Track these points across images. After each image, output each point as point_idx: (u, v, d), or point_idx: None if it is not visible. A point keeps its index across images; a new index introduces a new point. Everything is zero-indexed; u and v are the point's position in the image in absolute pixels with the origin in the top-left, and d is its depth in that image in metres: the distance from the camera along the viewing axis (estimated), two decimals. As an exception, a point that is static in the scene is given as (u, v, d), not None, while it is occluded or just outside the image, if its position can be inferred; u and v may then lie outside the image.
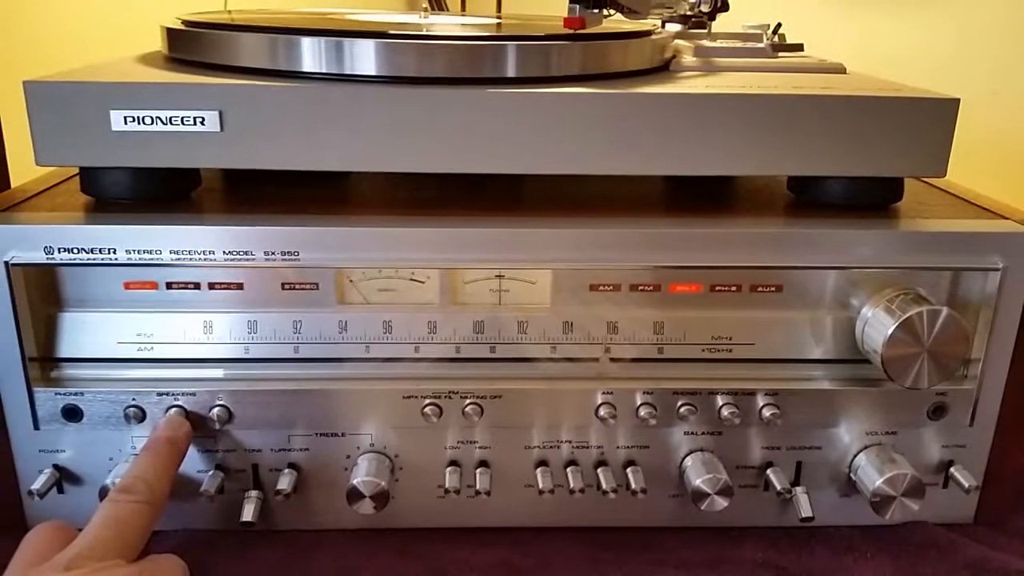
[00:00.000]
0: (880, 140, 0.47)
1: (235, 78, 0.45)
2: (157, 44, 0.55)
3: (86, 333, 0.47)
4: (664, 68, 0.54)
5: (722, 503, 0.48)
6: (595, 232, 0.46)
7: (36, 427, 0.47)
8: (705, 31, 0.63)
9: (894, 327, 0.45)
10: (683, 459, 0.50)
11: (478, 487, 0.48)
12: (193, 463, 0.48)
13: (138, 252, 0.45)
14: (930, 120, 0.47)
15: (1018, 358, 0.48)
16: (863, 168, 0.47)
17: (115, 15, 0.95)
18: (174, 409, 0.47)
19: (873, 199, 0.50)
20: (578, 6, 0.49)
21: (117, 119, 0.43)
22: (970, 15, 1.35)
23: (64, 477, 0.48)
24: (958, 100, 0.47)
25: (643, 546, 0.50)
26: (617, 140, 0.46)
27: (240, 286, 0.47)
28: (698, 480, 0.48)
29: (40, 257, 0.45)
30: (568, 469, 0.49)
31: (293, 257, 0.45)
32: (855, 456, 0.50)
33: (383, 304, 0.47)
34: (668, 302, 0.48)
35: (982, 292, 0.47)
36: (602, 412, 0.48)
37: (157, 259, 0.45)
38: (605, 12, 0.51)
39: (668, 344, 0.49)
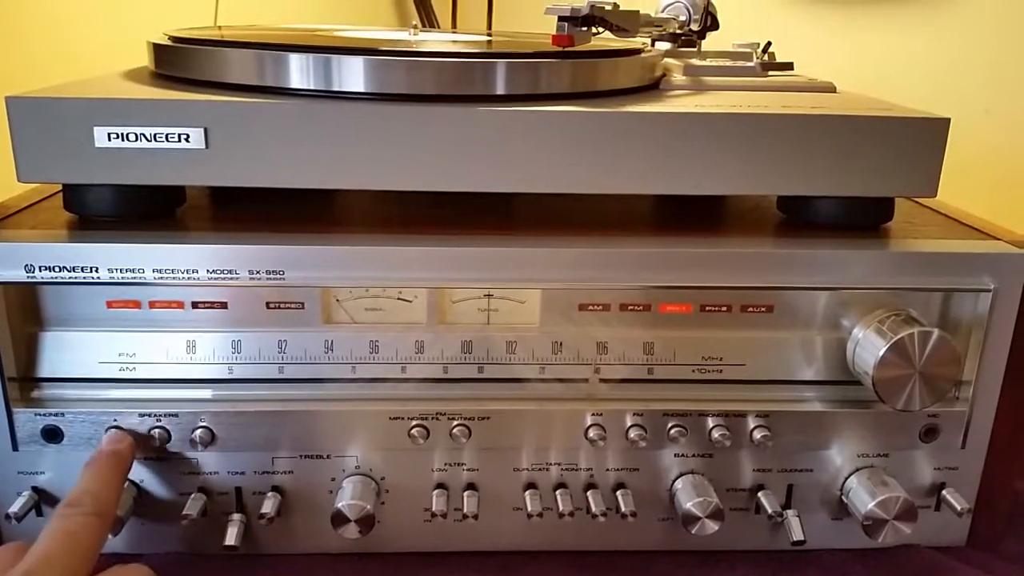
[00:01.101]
0: (870, 160, 0.46)
1: (221, 95, 0.44)
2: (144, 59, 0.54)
3: (67, 352, 0.46)
4: (654, 86, 0.54)
5: (713, 526, 0.47)
6: (585, 251, 0.46)
7: (15, 448, 0.46)
8: (695, 49, 0.63)
9: (885, 348, 0.44)
10: (673, 482, 0.49)
11: (466, 510, 0.47)
12: (175, 485, 0.48)
13: (121, 271, 0.44)
14: (920, 140, 0.46)
15: (1010, 379, 0.48)
16: (853, 188, 0.47)
17: (111, 28, 0.95)
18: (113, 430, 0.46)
19: (864, 219, 0.50)
20: (567, 24, 0.49)
21: (101, 136, 0.43)
22: (962, 34, 1.36)
23: (43, 499, 0.47)
24: (948, 120, 0.46)
25: (633, 570, 0.49)
26: (606, 159, 0.45)
27: (224, 305, 0.46)
28: (688, 503, 0.47)
29: (21, 275, 0.44)
30: (557, 492, 0.48)
31: (278, 276, 0.45)
32: (847, 479, 0.49)
33: (370, 324, 0.47)
34: (658, 322, 0.47)
35: (973, 313, 0.47)
36: (591, 434, 0.47)
37: (140, 278, 0.44)
38: (594, 30, 0.51)
39: (658, 365, 0.48)
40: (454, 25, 1.81)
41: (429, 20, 1.68)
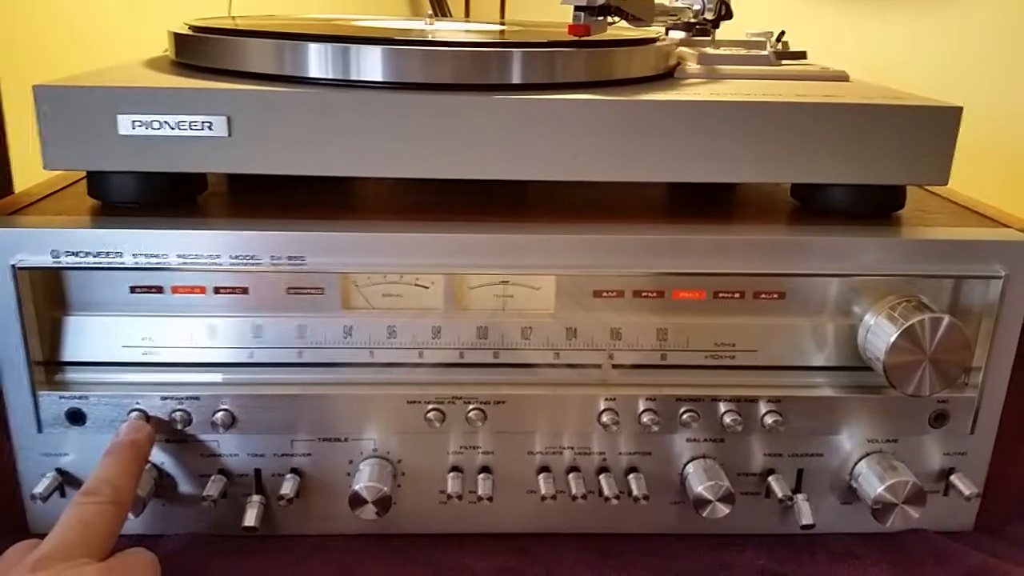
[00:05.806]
0: (883, 148, 0.47)
1: (243, 83, 0.45)
2: (163, 48, 0.55)
3: (91, 337, 0.47)
4: (668, 75, 0.54)
5: (724, 510, 0.48)
6: (599, 238, 0.46)
7: (40, 430, 0.47)
8: (709, 38, 0.64)
9: (896, 335, 0.45)
10: (685, 466, 0.50)
11: (480, 493, 0.48)
12: (196, 467, 0.49)
13: (144, 256, 0.45)
14: (932, 128, 0.47)
15: (1019, 366, 0.49)
16: (866, 176, 0.48)
17: (121, 18, 0.95)
18: (135, 413, 0.47)
19: (876, 207, 0.50)
20: (583, 13, 0.49)
21: (125, 123, 0.44)
22: (971, 21, 1.35)
23: (67, 481, 0.48)
24: (960, 108, 0.47)
25: (645, 553, 0.50)
26: (621, 147, 0.46)
27: (245, 290, 0.47)
28: (700, 487, 0.48)
29: (47, 260, 0.45)
30: (570, 475, 0.49)
31: (299, 261, 0.45)
32: (856, 463, 0.50)
33: (388, 309, 0.48)
34: (671, 308, 0.48)
35: (984, 300, 0.48)
36: (605, 418, 0.48)
37: (163, 263, 0.45)
38: (609, 19, 0.51)
39: (671, 351, 0.49)
40: (467, 14, 1.81)
41: (441, 9, 1.69)
